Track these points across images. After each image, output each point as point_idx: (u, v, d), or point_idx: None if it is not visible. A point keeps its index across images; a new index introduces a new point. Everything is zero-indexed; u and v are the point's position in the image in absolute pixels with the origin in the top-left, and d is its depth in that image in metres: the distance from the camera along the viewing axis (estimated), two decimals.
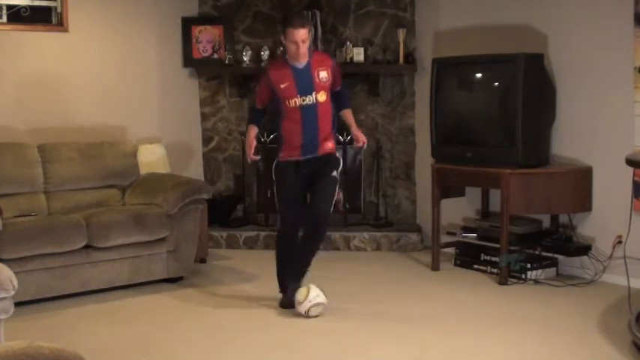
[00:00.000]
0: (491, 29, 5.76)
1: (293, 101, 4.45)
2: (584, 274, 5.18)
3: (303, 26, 4.37)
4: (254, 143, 4.63)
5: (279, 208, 4.68)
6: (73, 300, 4.79)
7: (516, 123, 5.06)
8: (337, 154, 4.66)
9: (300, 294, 4.41)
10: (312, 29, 4.65)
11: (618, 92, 4.99)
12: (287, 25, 4.40)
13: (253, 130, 4.66)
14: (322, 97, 4.47)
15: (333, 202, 4.55)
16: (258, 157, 4.68)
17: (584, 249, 5.17)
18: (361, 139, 4.60)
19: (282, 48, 6.43)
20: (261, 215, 6.57)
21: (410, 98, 6.51)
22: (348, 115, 4.71)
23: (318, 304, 4.38)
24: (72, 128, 5.94)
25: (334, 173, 4.56)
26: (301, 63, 4.45)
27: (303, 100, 4.44)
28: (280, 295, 4.67)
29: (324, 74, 4.47)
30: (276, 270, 4.73)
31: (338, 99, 4.64)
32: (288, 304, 4.56)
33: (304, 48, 4.39)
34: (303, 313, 4.38)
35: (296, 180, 4.57)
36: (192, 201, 5.27)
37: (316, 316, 4.38)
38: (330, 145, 4.57)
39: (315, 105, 4.46)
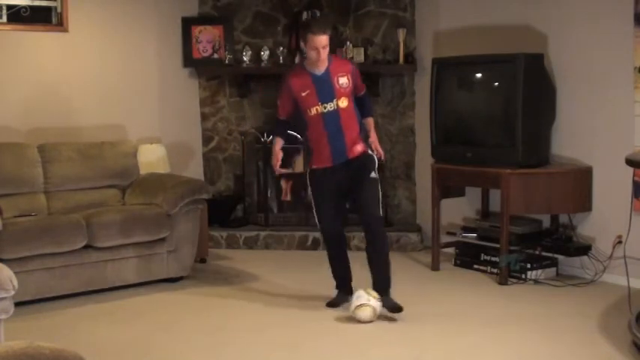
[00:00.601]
0: (491, 29, 5.76)
1: (314, 109, 4.38)
2: (584, 274, 5.18)
3: (324, 32, 4.29)
4: (280, 155, 4.58)
5: (318, 215, 4.58)
6: (73, 300, 4.79)
7: (516, 123, 5.06)
8: (369, 152, 4.50)
9: (371, 292, 4.30)
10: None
11: (618, 92, 4.99)
12: (307, 31, 4.32)
13: (279, 143, 4.60)
14: (343, 103, 4.39)
15: (381, 204, 4.44)
16: (285, 170, 4.62)
17: (584, 249, 5.17)
18: (377, 151, 4.50)
19: (284, 49, 6.45)
20: (261, 215, 6.57)
21: (410, 98, 6.51)
22: (369, 124, 4.59)
23: (373, 308, 4.26)
24: (72, 128, 5.95)
25: (373, 174, 4.44)
26: (320, 69, 4.38)
27: (325, 108, 4.36)
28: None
29: (343, 80, 4.39)
30: (331, 269, 4.68)
31: (360, 106, 4.54)
32: (334, 304, 4.55)
33: (325, 54, 4.32)
34: (355, 305, 4.27)
35: (331, 185, 4.49)
36: (192, 201, 5.27)
37: (364, 321, 4.26)
38: (359, 148, 4.46)
39: (337, 111, 4.38)
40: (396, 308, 4.37)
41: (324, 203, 4.53)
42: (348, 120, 4.42)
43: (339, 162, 4.44)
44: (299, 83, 4.41)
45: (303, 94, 4.38)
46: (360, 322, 4.25)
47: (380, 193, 4.45)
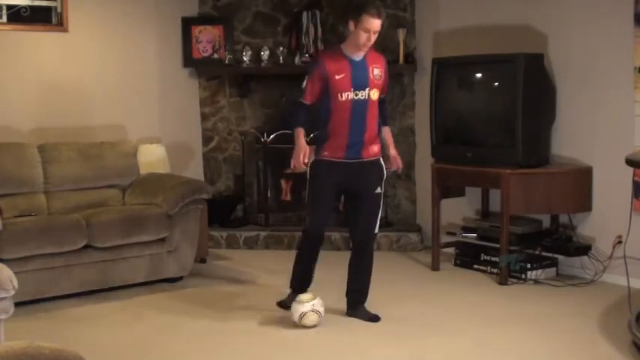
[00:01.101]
0: (491, 29, 5.76)
1: (345, 95, 4.12)
2: (584, 274, 5.18)
3: (380, 16, 4.04)
4: (307, 149, 4.18)
5: (310, 208, 4.33)
6: (73, 300, 4.79)
7: (516, 123, 5.06)
8: (381, 161, 4.33)
9: (304, 295, 4.22)
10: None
11: (618, 92, 4.99)
12: (363, 11, 4.02)
13: (302, 134, 4.21)
14: (375, 95, 4.19)
15: (379, 221, 4.33)
16: (306, 166, 4.24)
17: (584, 249, 5.17)
18: (396, 162, 4.38)
19: (284, 49, 6.45)
20: (261, 215, 6.57)
21: (410, 98, 6.51)
22: (387, 133, 4.44)
23: (317, 312, 4.19)
24: (72, 128, 5.94)
25: (379, 189, 4.29)
26: (359, 55, 4.16)
27: (356, 95, 4.13)
28: (287, 293, 4.47)
29: (377, 72, 4.20)
30: (293, 268, 4.47)
31: (378, 111, 4.34)
32: (286, 304, 4.39)
33: (373, 40, 4.10)
34: (299, 315, 4.16)
35: (333, 182, 4.24)
36: (192, 201, 5.26)
37: (311, 326, 4.19)
38: (375, 149, 4.28)
39: (367, 102, 4.17)
40: (373, 317, 4.32)
41: (321, 201, 4.30)
42: (372, 115, 4.24)
43: (351, 159, 4.21)
44: (334, 65, 4.14)
45: (337, 77, 4.11)
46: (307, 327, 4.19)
47: (380, 209, 4.35)
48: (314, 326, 4.20)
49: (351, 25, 4.10)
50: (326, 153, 4.23)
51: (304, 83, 4.21)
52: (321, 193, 4.30)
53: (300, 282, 4.46)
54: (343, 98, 4.14)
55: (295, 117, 4.27)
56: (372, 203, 4.30)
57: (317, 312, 4.20)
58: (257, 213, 6.64)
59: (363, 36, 4.06)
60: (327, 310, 4.44)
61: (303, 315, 4.18)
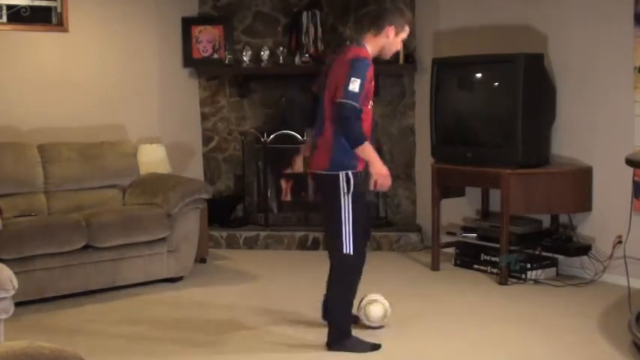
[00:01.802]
0: (491, 29, 5.76)
1: (371, 103, 3.80)
2: (584, 274, 5.18)
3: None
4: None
5: (353, 239, 3.75)
6: (73, 300, 4.79)
7: (516, 123, 5.06)
8: None
9: (376, 308, 4.13)
10: None
11: (618, 92, 5.00)
12: (405, 20, 3.84)
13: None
14: None
15: None
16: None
17: (584, 249, 5.17)
18: None
19: (284, 49, 6.44)
20: (261, 215, 6.57)
21: (410, 98, 6.51)
22: None
23: (384, 307, 4.17)
24: (72, 128, 5.94)
25: None
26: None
27: (373, 103, 3.89)
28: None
29: None
30: (342, 311, 3.90)
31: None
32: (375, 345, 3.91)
33: None
34: (367, 301, 4.14)
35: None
36: (192, 201, 5.27)
37: (375, 319, 4.15)
38: None
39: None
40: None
41: (360, 225, 3.79)
42: None
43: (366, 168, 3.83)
44: (372, 70, 3.74)
45: (372, 84, 3.75)
46: (368, 319, 4.15)
47: None
48: (376, 320, 4.14)
49: (391, 33, 3.79)
50: (360, 164, 3.77)
51: (358, 86, 3.58)
52: (362, 214, 3.84)
53: (350, 317, 3.96)
54: (369, 107, 3.79)
55: (362, 129, 3.66)
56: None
57: (384, 306, 4.15)
58: (257, 213, 6.64)
59: (398, 44, 3.89)
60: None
61: (372, 301, 4.12)
